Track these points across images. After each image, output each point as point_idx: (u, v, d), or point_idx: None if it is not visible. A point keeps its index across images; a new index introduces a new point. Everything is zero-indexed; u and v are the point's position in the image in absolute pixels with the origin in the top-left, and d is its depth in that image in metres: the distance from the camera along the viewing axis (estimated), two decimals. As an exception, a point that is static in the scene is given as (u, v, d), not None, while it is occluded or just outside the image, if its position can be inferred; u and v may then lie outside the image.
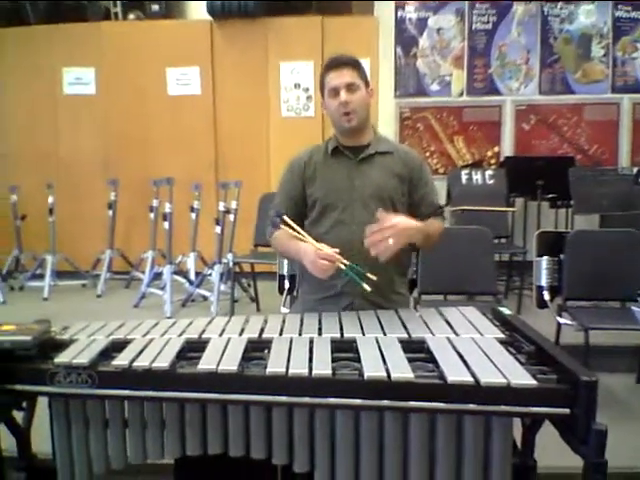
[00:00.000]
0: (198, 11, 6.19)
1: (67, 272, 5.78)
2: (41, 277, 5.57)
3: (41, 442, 1.89)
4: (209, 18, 5.84)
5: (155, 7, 6.08)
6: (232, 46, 5.82)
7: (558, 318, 3.44)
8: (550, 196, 5.32)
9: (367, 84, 2.14)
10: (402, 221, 1.89)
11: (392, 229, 1.84)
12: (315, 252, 1.92)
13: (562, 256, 3.52)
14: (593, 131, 6.18)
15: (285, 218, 2.08)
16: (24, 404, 1.85)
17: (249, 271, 5.08)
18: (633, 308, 2.74)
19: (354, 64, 2.11)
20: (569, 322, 3.37)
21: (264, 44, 5.78)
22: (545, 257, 3.54)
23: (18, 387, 1.66)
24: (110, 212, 5.68)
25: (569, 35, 6.10)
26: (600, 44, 6.09)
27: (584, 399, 1.40)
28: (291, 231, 2.07)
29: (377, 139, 2.20)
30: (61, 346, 1.73)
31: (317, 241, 2.02)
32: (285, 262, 3.42)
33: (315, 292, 2.16)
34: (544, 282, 3.53)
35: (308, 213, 2.19)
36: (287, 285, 3.42)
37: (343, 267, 1.92)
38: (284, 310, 3.25)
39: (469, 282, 3.64)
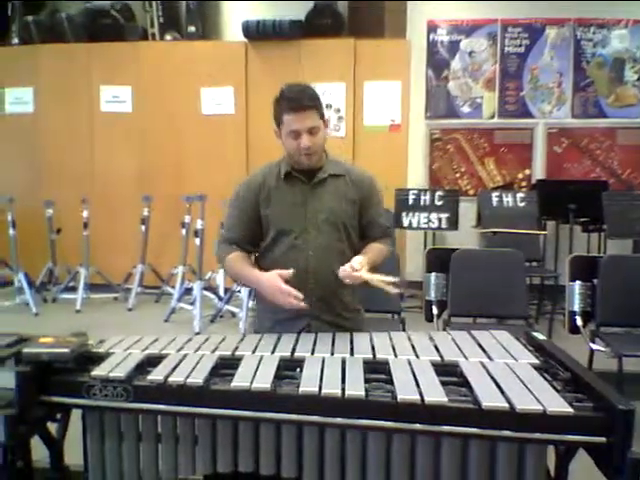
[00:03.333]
0: (233, 32, 6.32)
1: (99, 285, 5.87)
2: (74, 289, 5.67)
3: (73, 454, 1.91)
4: (244, 39, 5.94)
5: (192, 28, 6.22)
6: (266, 67, 5.91)
7: (591, 344, 3.38)
8: (582, 220, 5.26)
9: (323, 117, 2.09)
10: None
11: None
12: (275, 286, 1.93)
13: (595, 281, 3.47)
14: (626, 155, 6.12)
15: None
16: (58, 415, 1.87)
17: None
18: (669, 336, 2.68)
19: (316, 105, 2.05)
20: (602, 348, 3.31)
21: (297, 65, 5.85)
22: (578, 282, 3.49)
23: (54, 399, 1.69)
24: (143, 227, 5.77)
25: (602, 59, 6.07)
26: (633, 68, 6.04)
27: (621, 428, 1.38)
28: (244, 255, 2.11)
29: (329, 161, 2.17)
30: (97, 359, 1.76)
31: (273, 265, 2.07)
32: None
33: (273, 313, 2.13)
34: (577, 307, 3.47)
35: (264, 235, 2.17)
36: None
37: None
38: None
39: (500, 305, 3.60)
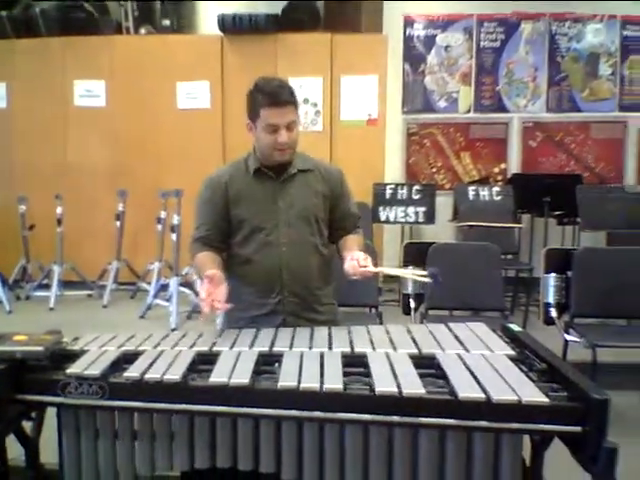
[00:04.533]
0: (209, 26, 6.27)
1: (74, 282, 5.81)
2: (47, 287, 5.59)
3: (49, 452, 1.89)
4: (219, 33, 5.90)
5: (166, 22, 6.16)
6: (242, 61, 5.88)
7: (565, 335, 3.43)
8: (557, 213, 5.33)
9: (298, 112, 2.10)
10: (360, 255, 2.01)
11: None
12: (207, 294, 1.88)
13: (569, 273, 3.52)
14: (600, 149, 6.21)
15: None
16: (33, 414, 1.85)
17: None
18: (641, 326, 2.74)
19: (293, 100, 2.04)
20: (576, 339, 3.36)
21: (273, 59, 5.83)
22: (552, 274, 3.54)
23: (29, 397, 1.66)
24: (118, 223, 5.71)
25: (577, 53, 6.15)
26: (608, 63, 6.13)
27: (595, 417, 1.40)
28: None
29: (298, 157, 2.17)
30: (72, 357, 1.74)
31: (245, 262, 2.09)
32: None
33: (246, 310, 2.13)
34: (551, 299, 3.53)
35: (233, 233, 2.15)
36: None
37: None
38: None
39: (476, 298, 3.63)
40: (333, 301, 2.28)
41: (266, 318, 2.11)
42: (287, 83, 2.08)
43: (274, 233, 2.10)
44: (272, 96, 2.00)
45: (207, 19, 6.37)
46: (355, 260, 1.98)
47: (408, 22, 6.27)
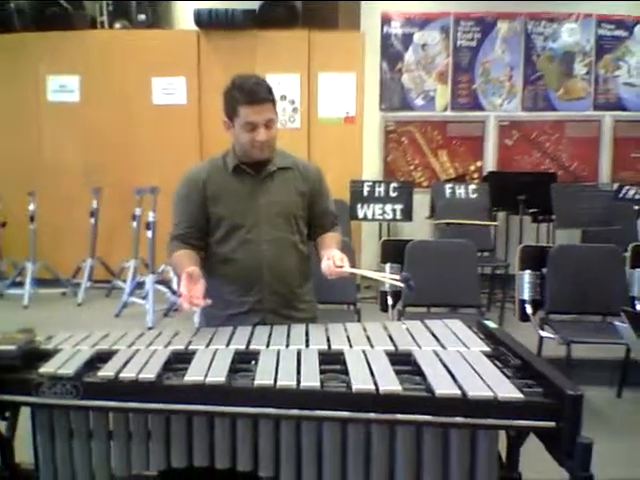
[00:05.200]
0: (185, 21, 6.21)
1: (47, 280, 5.72)
2: (21, 285, 5.50)
3: (24, 451, 1.86)
4: (196, 29, 5.85)
5: (142, 17, 6.08)
6: (218, 57, 5.83)
7: (540, 331, 3.47)
8: (532, 211, 5.39)
9: (276, 110, 2.09)
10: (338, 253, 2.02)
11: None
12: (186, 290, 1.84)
13: (544, 270, 3.56)
14: (574, 147, 6.28)
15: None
16: (7, 414, 1.82)
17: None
18: (616, 323, 2.75)
19: (272, 98, 2.04)
20: (551, 335, 3.40)
21: (251, 56, 5.79)
22: (528, 271, 3.58)
23: (1, 397, 1.64)
24: (92, 220, 5.65)
25: (552, 53, 6.21)
26: (583, 62, 6.20)
27: (570, 413, 1.42)
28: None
29: (277, 154, 2.17)
30: (45, 356, 1.71)
31: (225, 260, 2.08)
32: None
33: (224, 309, 2.11)
34: (526, 296, 3.57)
35: (212, 231, 2.14)
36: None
37: None
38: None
39: (452, 295, 3.66)
40: (312, 299, 2.28)
41: (245, 316, 2.10)
42: (265, 81, 2.07)
43: (254, 231, 2.09)
44: (250, 94, 1.99)
45: (183, 14, 6.31)
46: (331, 259, 1.99)
47: (385, 20, 6.28)
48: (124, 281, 5.48)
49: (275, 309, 2.11)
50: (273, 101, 2.06)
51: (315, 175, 2.22)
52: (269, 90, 2.04)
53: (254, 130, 2.01)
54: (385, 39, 6.30)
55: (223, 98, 2.08)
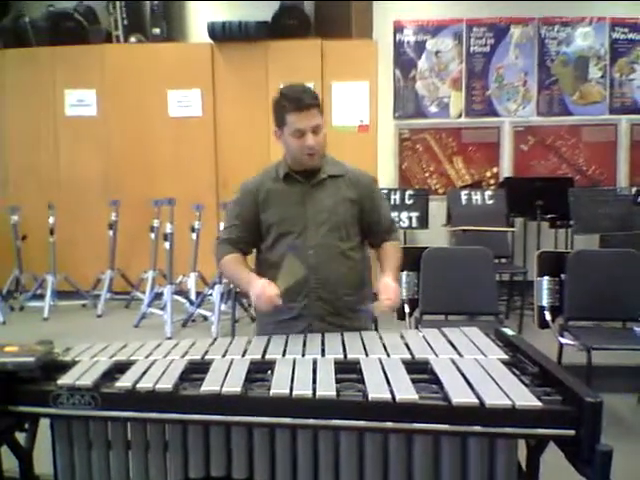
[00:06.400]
0: (199, 34, 6.27)
1: (67, 292, 5.77)
2: (41, 297, 5.55)
3: (43, 463, 1.88)
4: (210, 41, 5.90)
5: (156, 30, 6.15)
6: (233, 68, 5.88)
7: (560, 338, 3.43)
8: (549, 216, 5.34)
9: (322, 116, 2.13)
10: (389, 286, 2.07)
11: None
12: (262, 291, 1.97)
13: (563, 276, 3.53)
14: (591, 152, 6.23)
15: None
16: (26, 425, 1.84)
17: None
18: (635, 329, 2.74)
19: (317, 103, 2.08)
20: (571, 342, 3.36)
21: (264, 66, 5.83)
22: (546, 277, 3.55)
23: (21, 409, 1.66)
24: (111, 232, 5.69)
25: (566, 57, 6.17)
26: (597, 66, 6.16)
27: (589, 420, 1.40)
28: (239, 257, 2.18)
29: (328, 162, 2.20)
30: (64, 367, 1.73)
31: (274, 266, 2.11)
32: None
33: (272, 315, 2.13)
34: (545, 302, 3.53)
35: (263, 237, 2.21)
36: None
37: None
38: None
39: (470, 302, 3.63)
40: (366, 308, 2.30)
41: (292, 322, 2.13)
42: (310, 88, 2.12)
43: (301, 237, 2.13)
44: (296, 101, 2.04)
45: (197, 27, 6.37)
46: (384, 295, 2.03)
47: (398, 28, 6.29)
48: (143, 292, 5.51)
49: (321, 315, 2.13)
50: (319, 107, 2.09)
51: (366, 183, 2.24)
52: (315, 96, 2.09)
53: (302, 136, 2.05)
54: (398, 47, 6.31)
55: (272, 108, 2.13)
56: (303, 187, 2.16)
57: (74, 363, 1.77)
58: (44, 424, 1.77)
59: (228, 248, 2.21)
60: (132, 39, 6.18)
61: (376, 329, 3.41)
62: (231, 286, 4.95)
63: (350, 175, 2.21)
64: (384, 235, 2.28)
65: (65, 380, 1.63)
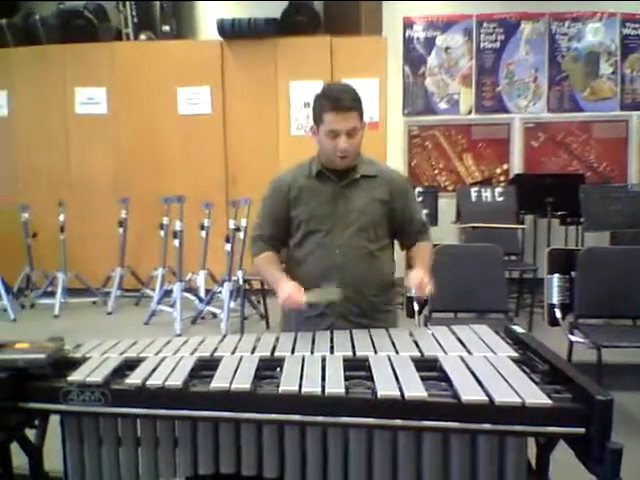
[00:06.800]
0: (208, 31, 6.28)
1: (78, 289, 5.81)
2: (52, 294, 5.59)
3: (53, 460, 1.89)
4: (219, 38, 5.91)
5: (166, 28, 6.17)
6: (242, 65, 5.89)
7: (570, 336, 3.41)
8: (560, 213, 5.31)
9: (362, 118, 2.10)
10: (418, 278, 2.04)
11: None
12: (290, 294, 1.98)
13: (573, 273, 3.51)
14: (602, 148, 6.19)
15: None
16: (36, 422, 1.85)
17: (259, 288, 5.09)
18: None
19: (357, 106, 2.05)
20: (581, 340, 3.34)
21: (274, 63, 5.84)
22: (556, 275, 3.53)
23: (31, 405, 1.66)
24: (121, 230, 5.72)
25: (577, 53, 6.13)
26: (608, 62, 6.11)
27: (599, 418, 1.39)
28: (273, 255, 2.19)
29: (362, 161, 2.18)
30: (74, 364, 1.74)
31: (300, 263, 2.13)
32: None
33: (297, 312, 2.14)
34: (555, 300, 3.51)
35: (293, 234, 2.20)
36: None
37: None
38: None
39: (480, 300, 3.62)
40: (391, 309, 2.29)
41: (317, 319, 2.13)
42: (353, 89, 2.09)
43: (329, 236, 2.12)
44: (335, 101, 2.01)
45: (206, 24, 6.39)
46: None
47: (407, 24, 6.27)
48: (153, 290, 5.54)
49: (345, 315, 2.12)
50: (359, 110, 2.05)
51: (400, 184, 2.22)
52: (355, 98, 2.05)
53: (336, 138, 2.03)
54: (407, 43, 6.30)
55: (312, 104, 2.12)
56: (335, 186, 2.14)
57: (84, 360, 1.77)
58: (54, 421, 1.78)
59: (262, 246, 2.22)
60: (142, 37, 6.20)
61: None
62: (240, 283, 4.97)
63: (384, 175, 2.19)
64: (416, 236, 2.26)
65: (75, 377, 1.63)
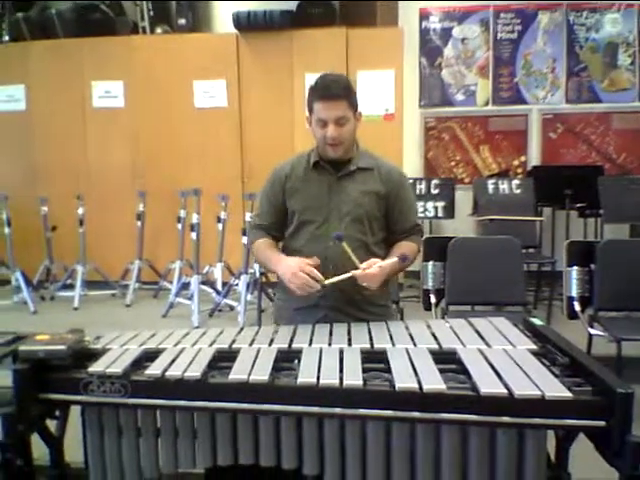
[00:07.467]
0: (224, 24, 6.28)
1: (97, 282, 5.87)
2: (71, 287, 5.66)
3: (73, 451, 1.91)
4: (235, 31, 5.91)
5: (182, 21, 6.18)
6: (258, 58, 5.88)
7: (589, 329, 3.38)
8: (578, 205, 5.26)
9: (356, 109, 2.09)
10: (375, 268, 1.96)
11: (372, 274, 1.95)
12: (299, 265, 1.94)
13: (593, 266, 3.47)
14: (621, 139, 6.11)
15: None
16: (57, 413, 1.87)
17: (275, 281, 5.09)
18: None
19: (346, 94, 2.04)
20: (600, 333, 3.32)
21: (289, 56, 5.82)
22: (575, 267, 3.49)
23: (52, 396, 1.68)
24: (139, 223, 5.76)
25: (595, 44, 6.05)
26: (627, 52, 6.03)
27: (620, 411, 1.38)
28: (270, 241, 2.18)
29: (359, 154, 2.17)
30: (94, 355, 1.76)
31: (294, 254, 2.11)
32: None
33: (291, 302, 2.15)
34: (575, 292, 3.47)
35: (288, 224, 2.21)
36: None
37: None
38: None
39: (498, 292, 3.59)
40: (388, 303, 2.28)
41: (308, 310, 2.13)
42: (345, 78, 2.10)
43: (323, 227, 2.12)
44: (323, 89, 2.03)
45: (222, 17, 6.38)
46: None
47: (424, 15, 6.22)
48: (170, 282, 5.57)
49: (338, 307, 2.11)
50: (348, 98, 2.05)
51: (396, 179, 2.19)
52: (344, 87, 2.05)
53: (325, 126, 2.04)
54: (424, 34, 6.25)
55: (307, 94, 2.13)
56: (331, 177, 2.14)
57: (104, 351, 1.79)
58: (75, 411, 1.80)
59: (260, 233, 2.23)
60: (158, 30, 6.22)
61: (402, 319, 3.42)
62: (257, 276, 4.99)
63: (380, 169, 2.17)
64: (403, 235, 2.20)
65: (96, 368, 1.65)
